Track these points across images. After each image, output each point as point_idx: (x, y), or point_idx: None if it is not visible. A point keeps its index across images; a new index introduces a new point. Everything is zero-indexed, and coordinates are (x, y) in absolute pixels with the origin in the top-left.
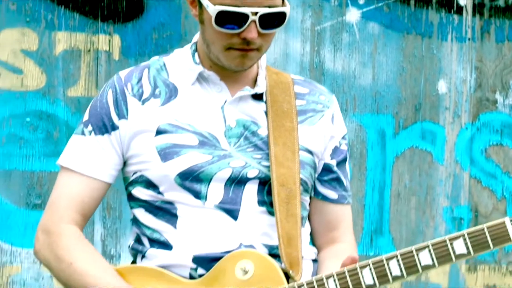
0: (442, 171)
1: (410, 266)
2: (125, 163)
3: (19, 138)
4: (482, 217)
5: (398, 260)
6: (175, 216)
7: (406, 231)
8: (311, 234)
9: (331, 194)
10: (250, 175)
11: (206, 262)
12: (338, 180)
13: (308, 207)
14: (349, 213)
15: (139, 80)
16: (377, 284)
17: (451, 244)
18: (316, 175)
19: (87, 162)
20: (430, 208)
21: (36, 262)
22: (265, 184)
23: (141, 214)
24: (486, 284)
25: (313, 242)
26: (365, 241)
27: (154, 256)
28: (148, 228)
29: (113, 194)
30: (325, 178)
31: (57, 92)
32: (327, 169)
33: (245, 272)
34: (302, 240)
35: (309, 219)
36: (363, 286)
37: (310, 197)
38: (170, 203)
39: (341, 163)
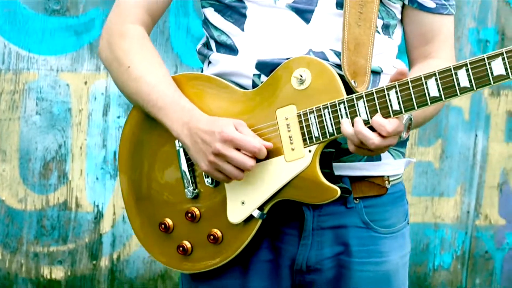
0: None
1: (480, 76)
2: None
3: None
4: (508, 40)
5: (467, 70)
6: (243, 16)
7: None
8: (406, 48)
9: (428, 2)
10: None
11: (270, 68)
12: None
13: (398, 16)
14: (450, 26)
15: None
16: (443, 97)
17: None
18: None
19: None
20: (456, 29)
21: (53, 69)
22: None
23: (211, 14)
24: (508, 110)
25: (407, 57)
26: None
27: (218, 62)
28: (216, 29)
29: None
30: None
31: None
32: None
33: (301, 81)
34: (385, 52)
35: (404, 31)
36: (427, 98)
37: (404, 5)
38: (240, 1)
39: None
